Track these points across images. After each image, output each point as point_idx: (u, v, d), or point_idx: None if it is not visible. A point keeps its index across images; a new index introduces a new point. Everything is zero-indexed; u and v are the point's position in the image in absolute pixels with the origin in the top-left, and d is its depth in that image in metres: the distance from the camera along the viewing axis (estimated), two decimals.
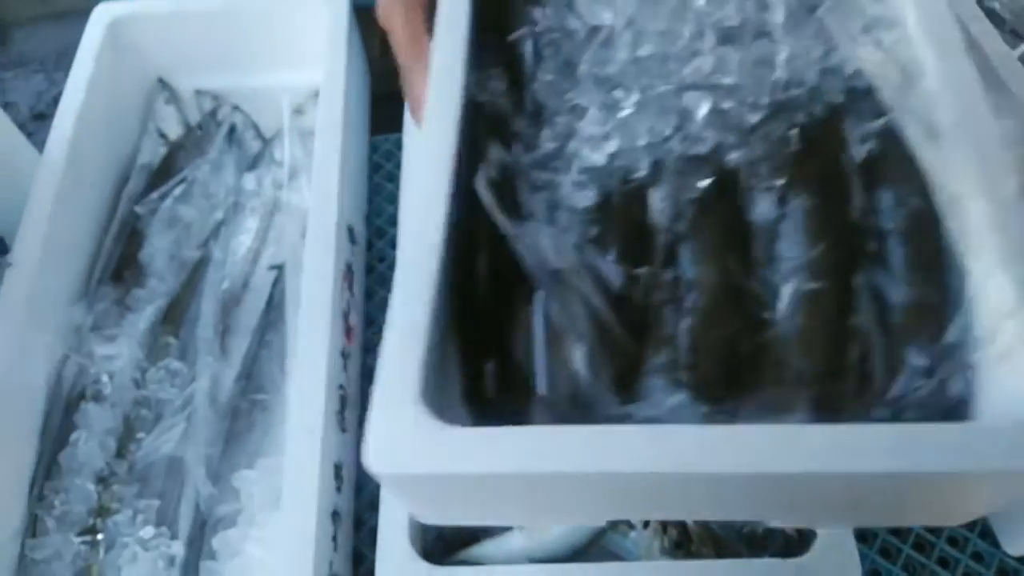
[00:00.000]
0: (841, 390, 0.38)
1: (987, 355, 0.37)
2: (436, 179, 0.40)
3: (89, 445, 0.57)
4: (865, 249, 0.41)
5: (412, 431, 0.34)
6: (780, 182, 0.43)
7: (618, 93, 0.46)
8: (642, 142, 0.45)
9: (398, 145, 0.76)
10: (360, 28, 0.73)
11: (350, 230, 0.64)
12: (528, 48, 0.47)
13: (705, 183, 0.43)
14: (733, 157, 0.44)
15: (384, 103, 0.78)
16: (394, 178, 0.75)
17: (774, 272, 0.41)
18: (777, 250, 0.41)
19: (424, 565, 0.50)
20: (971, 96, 0.41)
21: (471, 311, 0.40)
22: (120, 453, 0.57)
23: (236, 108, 0.74)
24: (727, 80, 0.45)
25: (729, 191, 0.43)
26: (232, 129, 0.73)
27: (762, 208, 0.43)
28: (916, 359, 0.38)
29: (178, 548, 0.54)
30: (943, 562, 0.58)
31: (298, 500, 0.50)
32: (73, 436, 0.57)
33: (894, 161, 0.42)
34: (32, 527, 0.54)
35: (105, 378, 0.60)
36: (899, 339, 0.38)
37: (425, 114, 0.43)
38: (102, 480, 0.56)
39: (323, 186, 0.61)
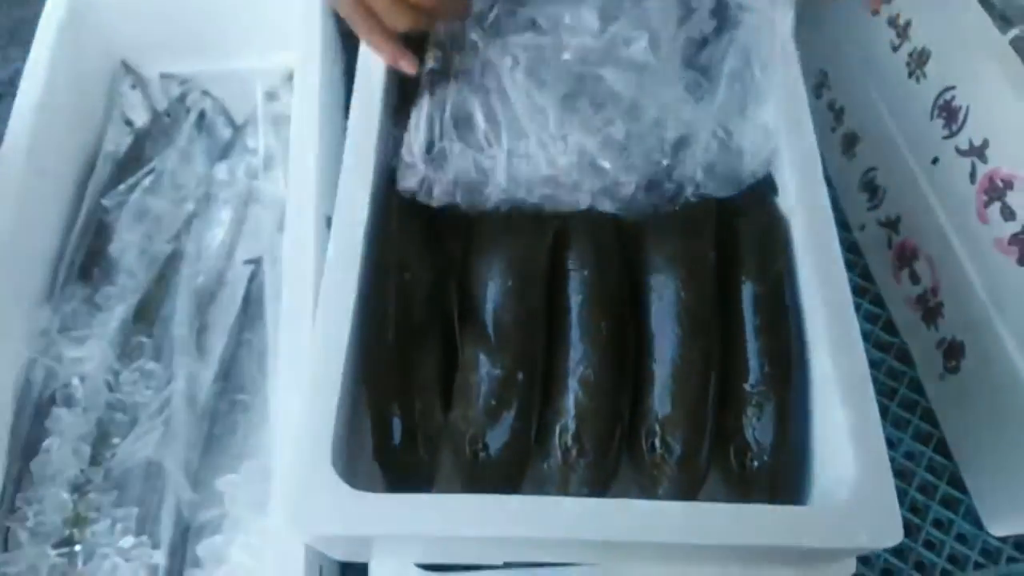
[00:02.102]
0: (700, 470, 0.44)
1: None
2: (349, 248, 0.46)
3: (62, 452, 0.55)
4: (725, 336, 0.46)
5: (325, 497, 0.38)
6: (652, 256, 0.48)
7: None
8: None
9: None
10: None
11: (328, 221, 0.62)
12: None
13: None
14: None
15: None
16: None
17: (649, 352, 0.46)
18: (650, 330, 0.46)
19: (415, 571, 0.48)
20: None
21: (380, 366, 0.45)
22: (95, 459, 0.55)
23: (205, 93, 0.71)
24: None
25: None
26: (201, 116, 0.70)
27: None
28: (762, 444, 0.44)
29: (160, 557, 0.52)
30: (929, 544, 0.58)
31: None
32: (45, 443, 0.55)
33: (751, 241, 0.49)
34: (3, 541, 0.52)
35: (76, 381, 0.57)
36: (749, 427, 0.44)
37: (340, 181, 0.49)
38: (77, 488, 0.54)
39: (300, 176, 0.59)
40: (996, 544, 0.58)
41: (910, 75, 0.60)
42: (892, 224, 0.64)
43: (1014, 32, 0.60)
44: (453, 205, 0.50)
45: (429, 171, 0.50)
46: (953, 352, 0.58)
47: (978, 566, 0.57)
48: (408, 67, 0.52)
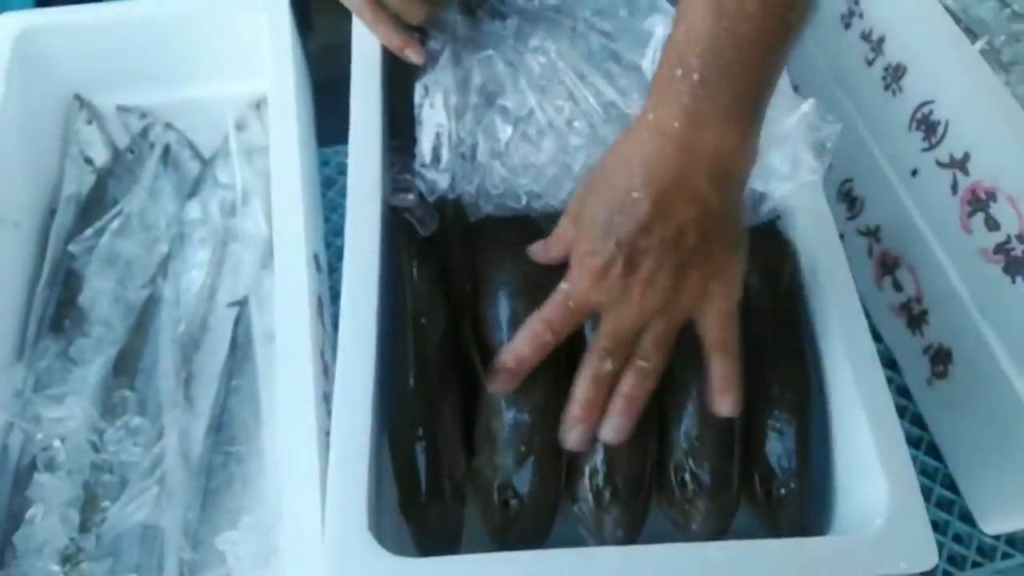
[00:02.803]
0: (731, 501, 0.44)
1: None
2: (365, 296, 0.45)
3: (48, 521, 0.51)
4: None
5: (365, 566, 0.38)
6: None
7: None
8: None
9: None
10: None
11: (315, 258, 0.60)
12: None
13: None
14: None
15: (326, 113, 0.73)
16: None
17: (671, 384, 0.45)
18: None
19: None
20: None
21: (403, 419, 0.44)
22: (85, 526, 0.52)
23: (169, 126, 0.68)
24: None
25: None
26: (166, 150, 0.66)
27: None
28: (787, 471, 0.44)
29: None
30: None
31: (301, 558, 0.47)
32: (28, 513, 0.51)
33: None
34: None
35: (57, 443, 0.54)
36: (773, 454, 0.45)
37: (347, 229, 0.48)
38: (68, 559, 0.51)
39: (286, 211, 0.56)
40: (990, 542, 0.60)
41: (886, 88, 0.61)
42: (872, 233, 0.65)
43: (979, 44, 0.62)
44: (456, 221, 0.50)
45: (436, 177, 0.50)
46: (940, 358, 0.60)
47: (975, 564, 0.59)
48: (415, 55, 0.53)
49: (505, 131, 0.50)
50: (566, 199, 0.49)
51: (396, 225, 0.49)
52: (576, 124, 0.51)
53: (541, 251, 0.47)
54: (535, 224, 0.51)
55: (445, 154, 0.50)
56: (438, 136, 0.50)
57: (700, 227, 0.40)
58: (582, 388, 0.42)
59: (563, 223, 0.45)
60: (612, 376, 0.42)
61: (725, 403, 0.42)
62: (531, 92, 0.51)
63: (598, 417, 0.42)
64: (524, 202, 0.50)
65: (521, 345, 0.43)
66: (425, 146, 0.50)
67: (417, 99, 0.52)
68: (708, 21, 0.39)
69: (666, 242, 0.40)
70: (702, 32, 0.39)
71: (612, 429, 0.42)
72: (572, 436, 0.42)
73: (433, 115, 0.51)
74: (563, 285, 0.42)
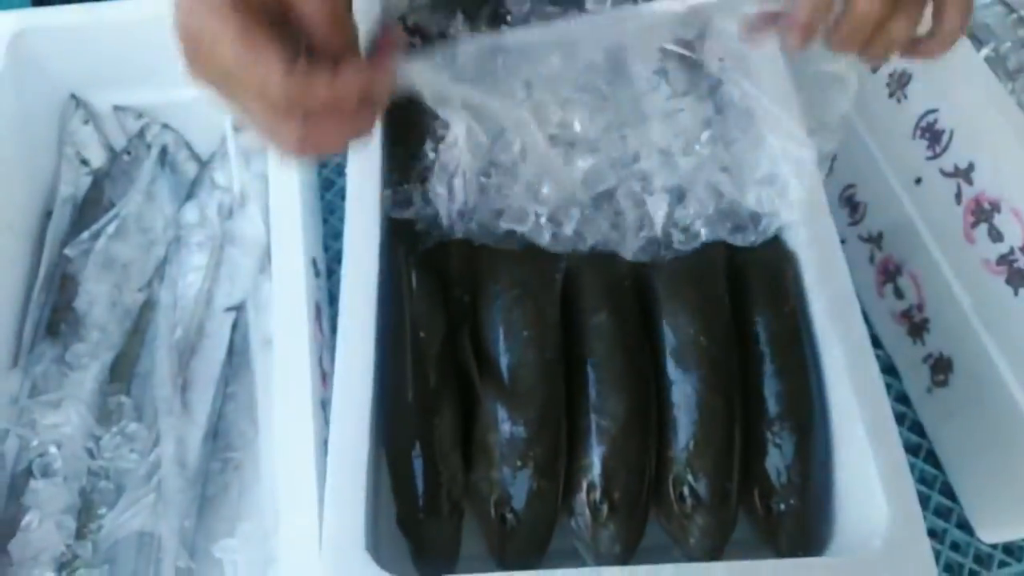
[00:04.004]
0: (729, 516, 0.43)
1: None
2: (364, 308, 0.45)
3: (44, 528, 0.51)
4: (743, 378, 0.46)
5: None
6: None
7: None
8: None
9: None
10: None
11: (313, 262, 0.59)
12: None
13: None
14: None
15: None
16: None
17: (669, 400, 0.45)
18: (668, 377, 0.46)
19: None
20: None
21: (401, 434, 0.44)
22: (81, 533, 0.52)
23: (166, 127, 0.67)
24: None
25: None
26: (164, 152, 0.66)
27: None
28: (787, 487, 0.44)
29: None
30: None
31: (298, 567, 0.46)
32: (24, 520, 0.51)
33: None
34: None
35: (53, 450, 0.53)
36: (773, 469, 0.44)
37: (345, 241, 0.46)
38: (64, 566, 0.51)
39: (284, 216, 0.56)
40: (988, 550, 0.60)
41: (891, 95, 0.61)
42: (875, 240, 0.65)
43: (985, 51, 0.62)
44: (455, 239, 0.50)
45: (435, 201, 0.50)
46: (941, 367, 0.60)
47: (972, 573, 0.59)
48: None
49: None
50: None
51: (395, 235, 0.49)
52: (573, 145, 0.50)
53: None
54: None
55: (456, 184, 0.49)
56: (445, 162, 0.50)
57: None
58: None
59: None
60: None
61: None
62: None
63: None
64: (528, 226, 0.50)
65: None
66: (438, 176, 0.50)
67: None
68: None
69: None
70: None
71: None
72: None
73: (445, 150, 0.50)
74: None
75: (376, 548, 0.39)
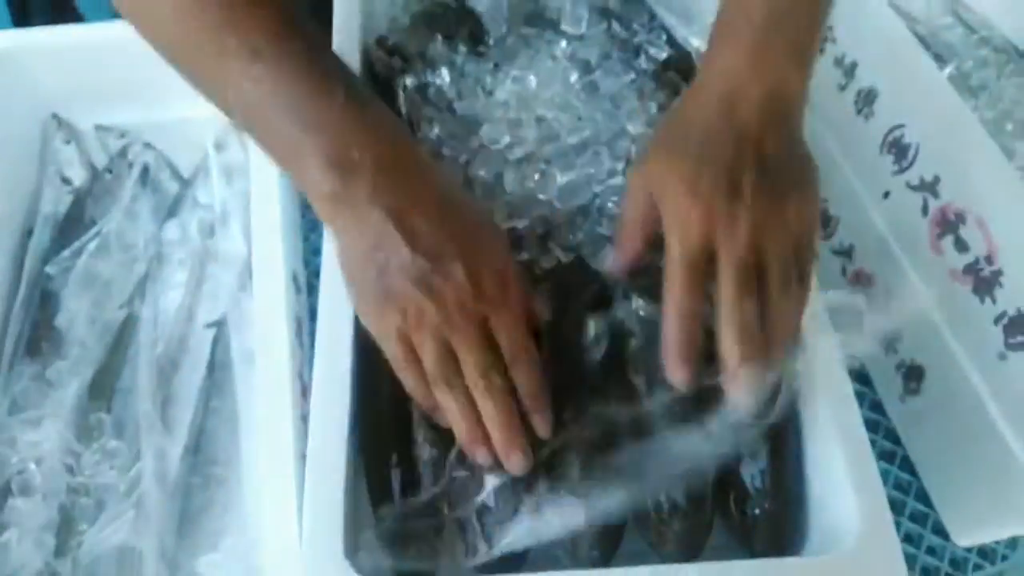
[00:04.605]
0: (704, 522, 0.44)
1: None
2: (341, 322, 0.46)
3: (23, 546, 0.51)
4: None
5: None
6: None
7: None
8: None
9: None
10: None
11: (294, 278, 0.60)
12: None
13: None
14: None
15: None
16: None
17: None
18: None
19: None
20: None
21: (378, 437, 0.45)
22: (60, 550, 0.52)
23: (148, 146, 0.68)
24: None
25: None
26: (145, 170, 0.66)
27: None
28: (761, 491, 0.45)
29: None
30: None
31: None
32: (3, 538, 0.51)
33: None
34: None
35: (32, 467, 0.54)
36: (748, 474, 0.45)
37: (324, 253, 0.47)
38: None
39: (265, 232, 0.57)
40: (963, 554, 0.61)
41: (858, 112, 0.62)
42: (846, 253, 0.67)
43: (948, 69, 0.64)
44: None
45: None
46: (913, 375, 0.61)
47: None
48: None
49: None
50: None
51: None
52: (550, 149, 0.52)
53: (621, 258, 0.46)
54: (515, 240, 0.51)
55: None
56: None
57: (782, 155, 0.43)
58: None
59: (631, 208, 0.45)
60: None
61: None
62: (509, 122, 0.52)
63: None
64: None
65: (679, 334, 0.41)
66: None
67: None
68: None
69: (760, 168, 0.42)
70: None
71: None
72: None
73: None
74: (672, 254, 0.42)
75: (355, 558, 0.39)
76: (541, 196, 0.51)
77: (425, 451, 0.44)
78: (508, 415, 0.40)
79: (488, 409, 0.40)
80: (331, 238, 0.45)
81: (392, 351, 0.41)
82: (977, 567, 0.61)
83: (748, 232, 0.41)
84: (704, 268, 0.41)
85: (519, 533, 0.43)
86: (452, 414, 0.41)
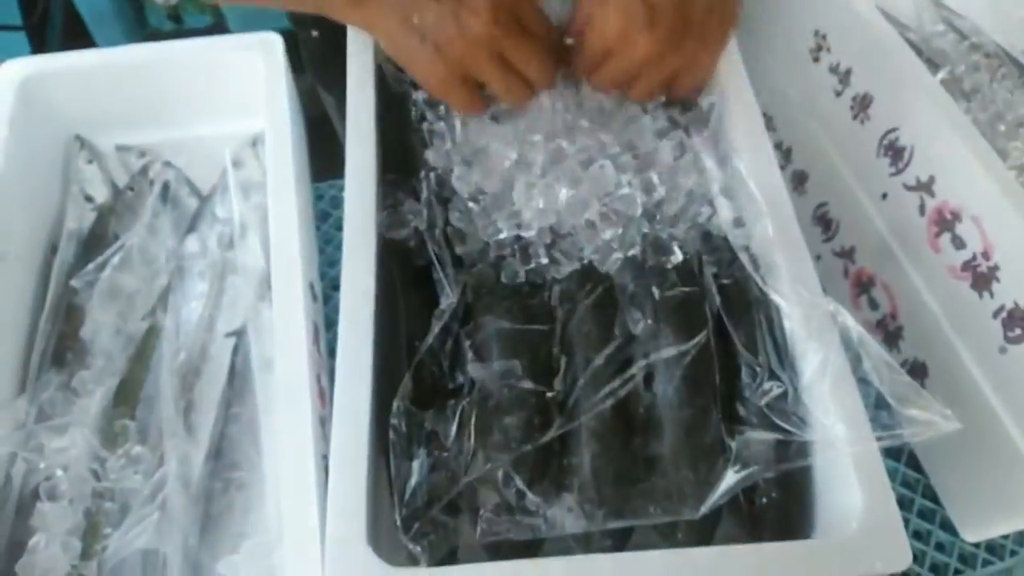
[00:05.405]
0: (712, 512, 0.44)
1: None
2: (362, 324, 0.47)
3: (50, 550, 0.52)
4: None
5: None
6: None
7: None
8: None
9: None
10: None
11: (311, 287, 0.62)
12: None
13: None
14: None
15: (318, 150, 0.75)
16: None
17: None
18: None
19: None
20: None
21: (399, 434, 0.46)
22: (86, 554, 0.53)
23: (167, 164, 0.70)
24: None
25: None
26: (165, 187, 0.69)
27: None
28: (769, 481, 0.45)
29: None
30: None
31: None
32: (31, 542, 0.53)
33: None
34: None
35: (59, 473, 0.55)
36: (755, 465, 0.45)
37: (344, 258, 0.50)
38: None
39: (283, 243, 0.58)
40: (971, 550, 0.61)
41: (854, 117, 0.64)
42: (847, 254, 0.68)
43: (941, 74, 0.66)
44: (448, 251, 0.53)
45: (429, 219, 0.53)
46: (916, 372, 0.62)
47: (957, 572, 0.61)
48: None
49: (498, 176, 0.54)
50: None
51: (390, 255, 0.51)
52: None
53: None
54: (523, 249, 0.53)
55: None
56: (438, 177, 0.54)
57: None
58: None
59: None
60: None
61: None
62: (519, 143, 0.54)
63: None
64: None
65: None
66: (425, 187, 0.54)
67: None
68: None
69: None
70: None
71: None
72: None
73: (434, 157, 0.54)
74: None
75: (378, 547, 0.40)
76: (548, 208, 0.53)
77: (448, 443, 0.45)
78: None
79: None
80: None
81: (457, 98, 0.54)
82: (987, 563, 0.61)
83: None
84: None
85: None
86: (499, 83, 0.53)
